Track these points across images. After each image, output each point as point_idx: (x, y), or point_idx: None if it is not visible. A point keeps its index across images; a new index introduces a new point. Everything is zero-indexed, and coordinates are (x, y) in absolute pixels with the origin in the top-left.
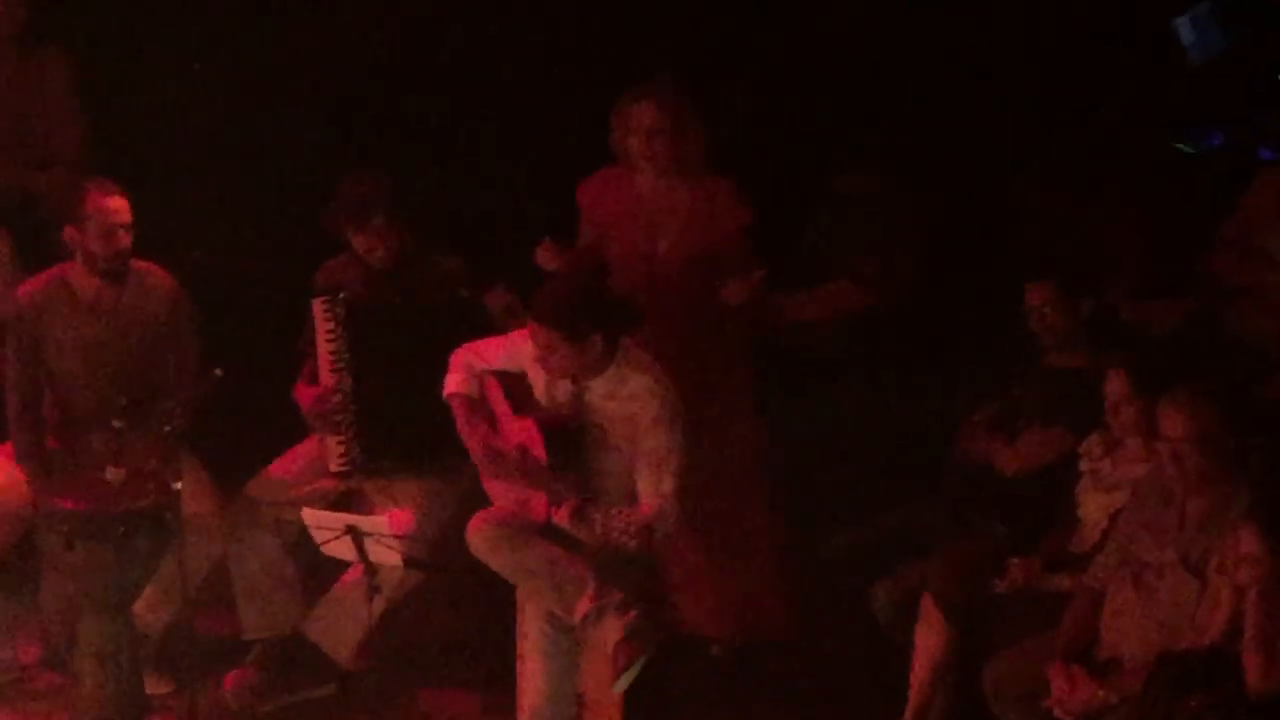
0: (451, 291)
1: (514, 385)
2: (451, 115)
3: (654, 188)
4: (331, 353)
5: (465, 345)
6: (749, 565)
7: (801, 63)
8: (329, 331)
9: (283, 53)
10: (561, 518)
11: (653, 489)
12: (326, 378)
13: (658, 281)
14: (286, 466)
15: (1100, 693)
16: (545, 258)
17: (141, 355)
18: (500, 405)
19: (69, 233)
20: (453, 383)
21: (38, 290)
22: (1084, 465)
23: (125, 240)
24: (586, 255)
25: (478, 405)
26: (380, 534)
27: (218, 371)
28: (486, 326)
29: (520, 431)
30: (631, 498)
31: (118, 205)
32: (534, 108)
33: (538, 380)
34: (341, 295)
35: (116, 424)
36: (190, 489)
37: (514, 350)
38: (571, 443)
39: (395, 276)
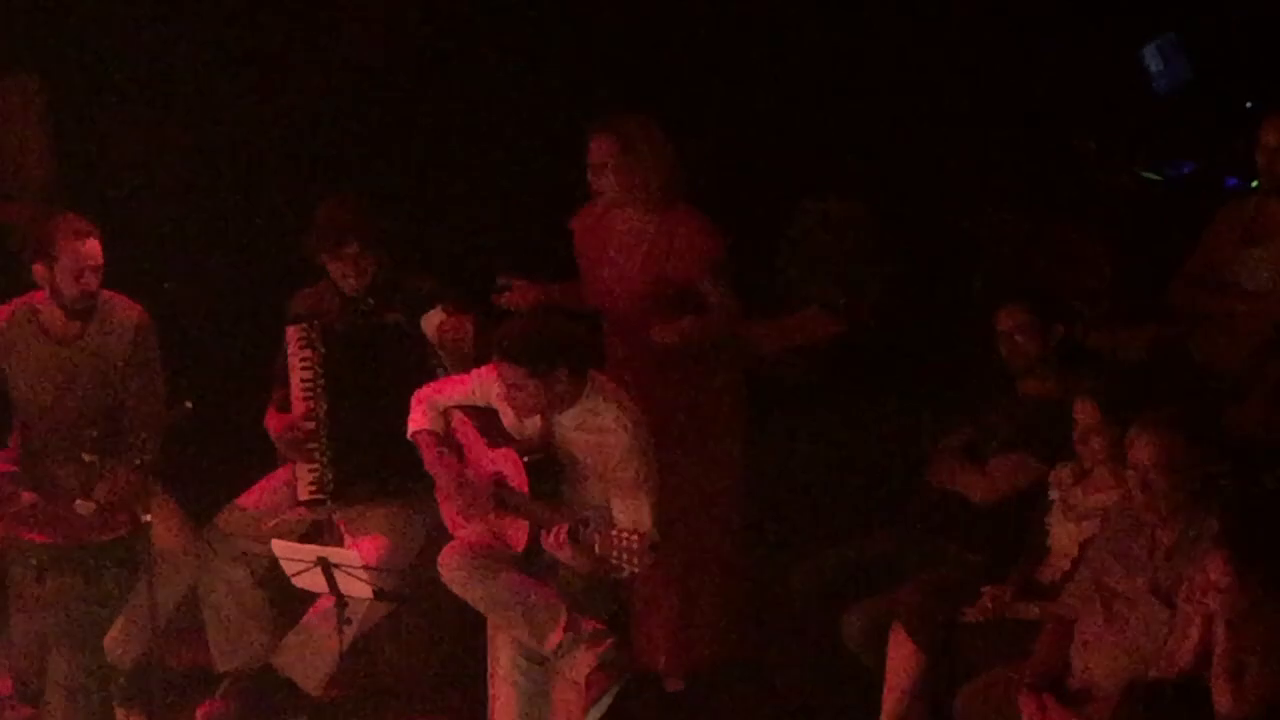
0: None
1: (483, 419)
2: (430, 140)
3: (621, 219)
4: (304, 380)
5: (427, 385)
6: (713, 592)
7: (773, 88)
8: (303, 359)
9: (255, 80)
10: (552, 543)
11: (630, 518)
12: (299, 405)
13: (629, 312)
14: (255, 498)
15: None
16: (517, 298)
17: (109, 387)
18: (470, 438)
19: (38, 270)
20: (416, 420)
21: (4, 320)
22: (1054, 494)
23: (94, 282)
24: (554, 291)
25: (445, 440)
26: (350, 565)
27: (188, 403)
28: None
29: (497, 462)
30: (609, 528)
31: (88, 248)
32: (511, 135)
33: (506, 413)
34: (315, 322)
35: (86, 457)
36: (160, 521)
37: (480, 385)
38: (554, 471)
39: (369, 301)
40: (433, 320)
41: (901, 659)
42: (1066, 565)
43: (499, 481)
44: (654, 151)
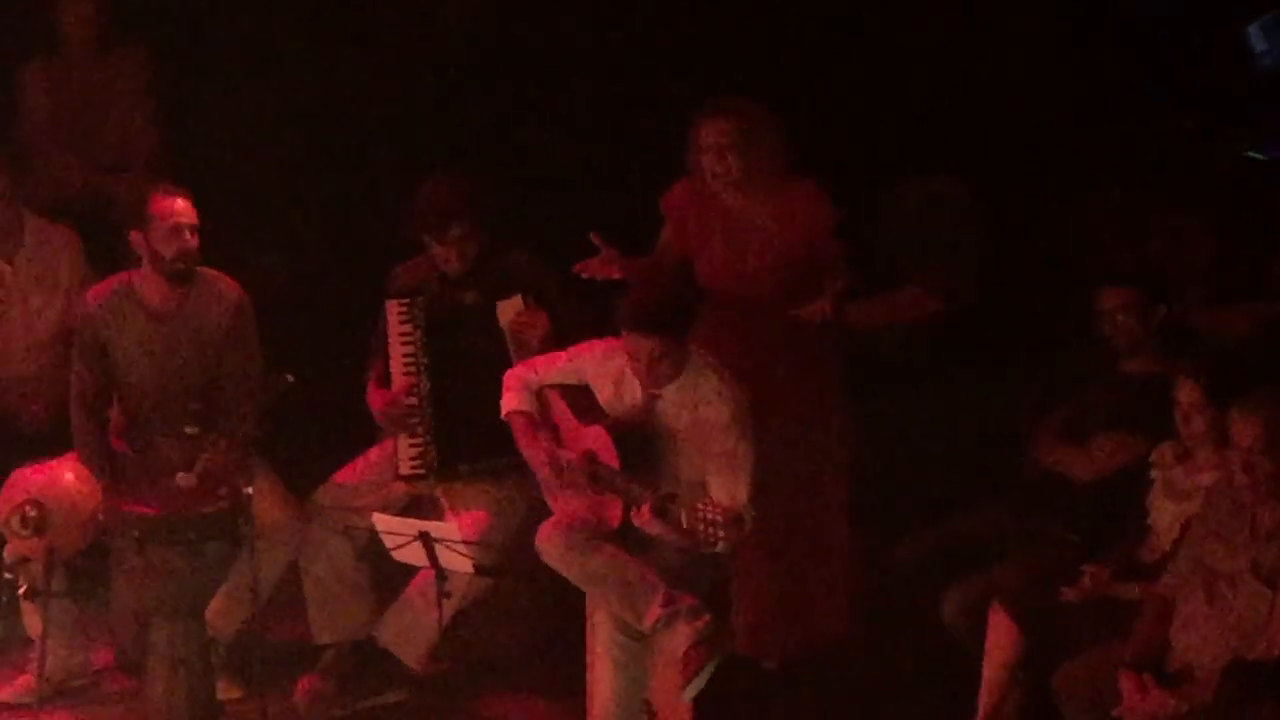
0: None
1: (575, 396)
2: (523, 119)
3: (734, 202)
4: (406, 355)
5: (519, 364)
6: (814, 571)
7: (873, 68)
8: (403, 334)
9: (357, 52)
10: (642, 517)
11: (727, 493)
12: (400, 380)
13: (748, 295)
14: (355, 473)
15: (1171, 701)
16: (607, 266)
17: (208, 362)
18: (564, 416)
19: (135, 237)
20: (510, 401)
21: (105, 294)
22: (1155, 473)
23: (191, 240)
24: (660, 260)
25: (538, 420)
26: (451, 540)
27: (289, 377)
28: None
29: (590, 439)
30: (698, 502)
31: (181, 206)
32: (605, 115)
33: (603, 389)
34: (416, 297)
35: (188, 430)
36: (261, 494)
37: (575, 362)
38: (644, 446)
39: (469, 277)
40: (508, 309)
41: (1000, 638)
42: (1167, 545)
43: (591, 459)
44: (769, 130)
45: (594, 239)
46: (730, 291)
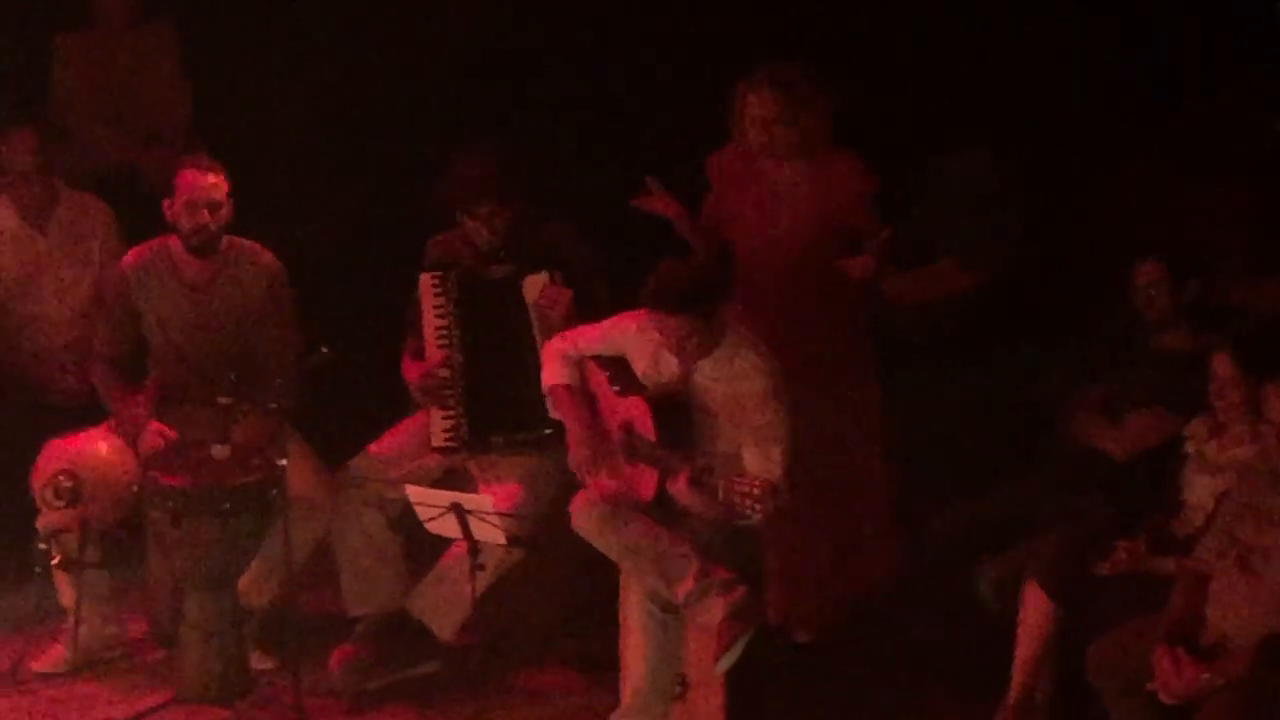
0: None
1: (613, 367)
2: (562, 88)
3: (779, 167)
4: (439, 327)
5: (559, 334)
6: (849, 544)
7: (911, 43)
8: (437, 306)
9: (388, 22)
10: (678, 488)
11: (762, 465)
12: (434, 352)
13: (781, 256)
14: (388, 444)
15: (1205, 676)
16: (657, 204)
17: (243, 333)
18: (603, 388)
19: (165, 205)
20: (550, 374)
21: (140, 259)
22: (1189, 447)
23: (207, 216)
24: (706, 231)
25: (579, 392)
26: (484, 511)
27: (324, 349)
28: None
29: (627, 410)
30: (734, 473)
31: (205, 182)
32: (646, 84)
33: (639, 362)
34: (449, 270)
35: (223, 401)
36: (295, 466)
37: (613, 335)
38: (680, 418)
39: (502, 251)
40: (535, 284)
41: (1035, 612)
42: (1201, 519)
43: (628, 430)
44: (815, 102)
45: (649, 182)
46: (765, 257)
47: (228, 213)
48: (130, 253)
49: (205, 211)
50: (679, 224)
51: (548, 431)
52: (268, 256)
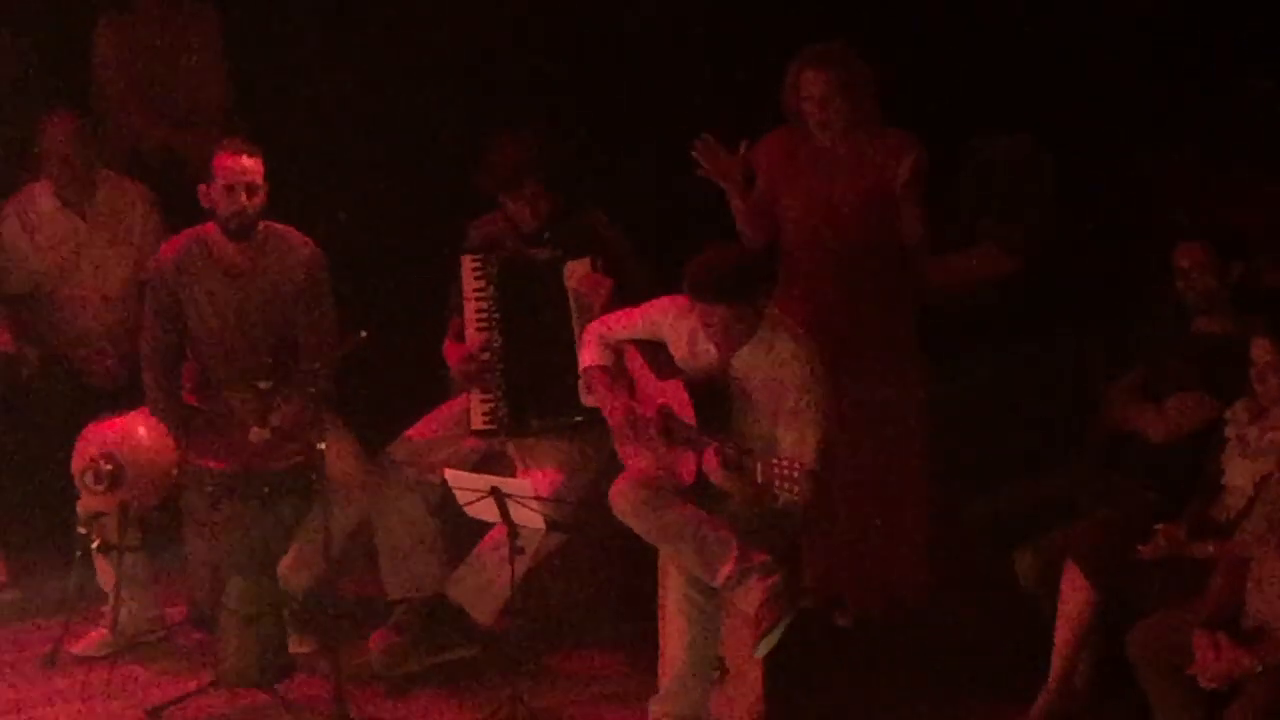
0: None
1: (652, 351)
2: (600, 75)
3: (830, 145)
4: (479, 310)
5: (597, 319)
6: (896, 531)
7: (950, 26)
8: (477, 289)
9: (430, 8)
10: (715, 470)
11: (797, 449)
12: (474, 336)
13: (832, 235)
14: (427, 429)
15: (1245, 660)
16: (710, 159)
17: (280, 317)
18: (641, 371)
19: (202, 190)
20: (588, 356)
21: (178, 249)
22: (1230, 431)
23: (246, 200)
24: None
25: (616, 375)
26: (523, 496)
27: (363, 333)
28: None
29: (665, 394)
30: (771, 456)
31: (243, 165)
32: (685, 68)
33: (678, 346)
34: (491, 252)
35: (262, 385)
36: (334, 450)
37: (650, 319)
38: (719, 402)
39: (544, 235)
40: (576, 270)
41: (1074, 597)
42: (1242, 503)
43: (667, 414)
44: (866, 76)
45: (704, 142)
46: (816, 236)
47: (265, 196)
48: (167, 244)
49: (244, 195)
50: (730, 190)
51: (578, 419)
52: (305, 242)
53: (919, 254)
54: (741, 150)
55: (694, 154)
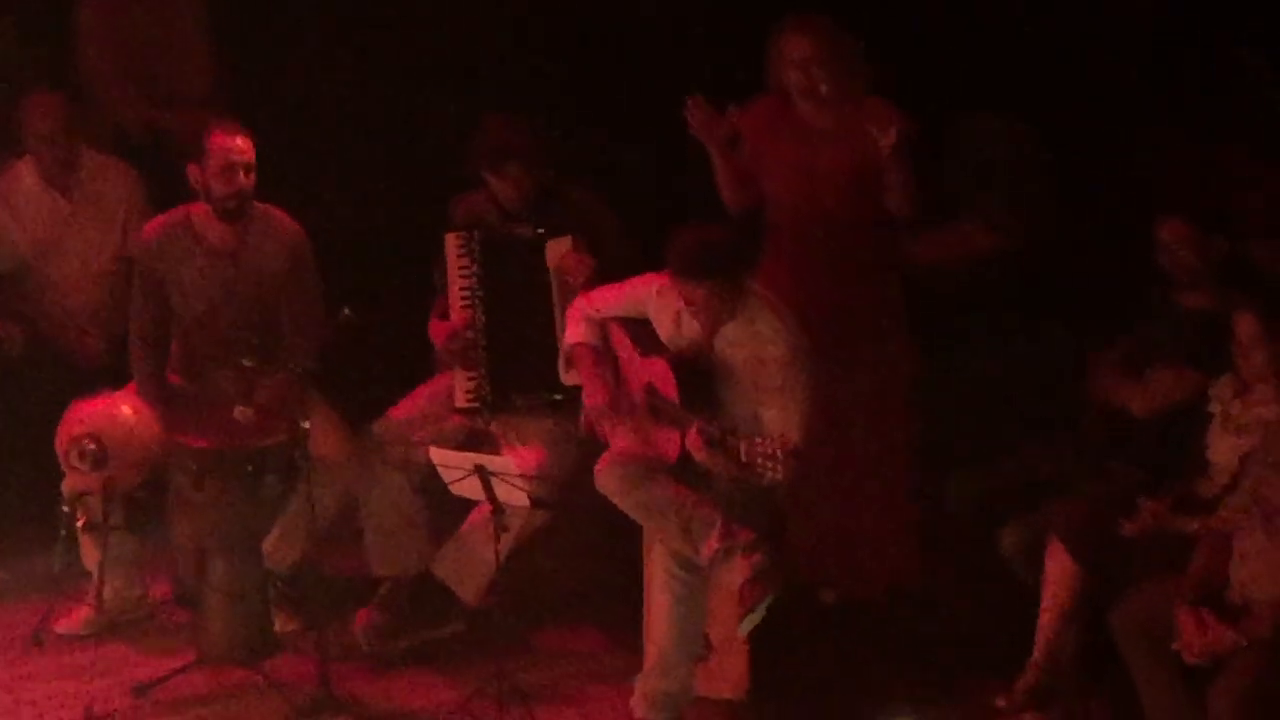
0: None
1: (636, 329)
2: (586, 55)
3: (813, 112)
4: (463, 287)
5: (582, 295)
6: (884, 509)
7: (936, 3)
8: (461, 266)
9: None
10: (699, 448)
11: (781, 427)
12: (458, 313)
13: (817, 203)
14: (411, 407)
15: (1229, 636)
16: (701, 121)
17: (265, 296)
18: (625, 349)
19: (192, 170)
20: (574, 334)
21: (162, 229)
22: (1214, 407)
23: (244, 179)
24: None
25: (601, 353)
26: (508, 473)
27: (346, 311)
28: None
29: (650, 371)
30: (754, 434)
31: (238, 144)
32: (673, 44)
33: (662, 324)
34: (475, 230)
35: (246, 363)
36: (319, 428)
37: (634, 297)
38: (702, 380)
39: (528, 213)
40: (557, 249)
41: (1059, 573)
42: (1226, 479)
43: (651, 391)
44: (852, 44)
45: (694, 102)
46: (801, 205)
47: (254, 176)
48: (151, 224)
49: (241, 174)
50: (713, 150)
51: (557, 397)
52: (290, 221)
53: (905, 227)
54: (730, 114)
55: (685, 112)
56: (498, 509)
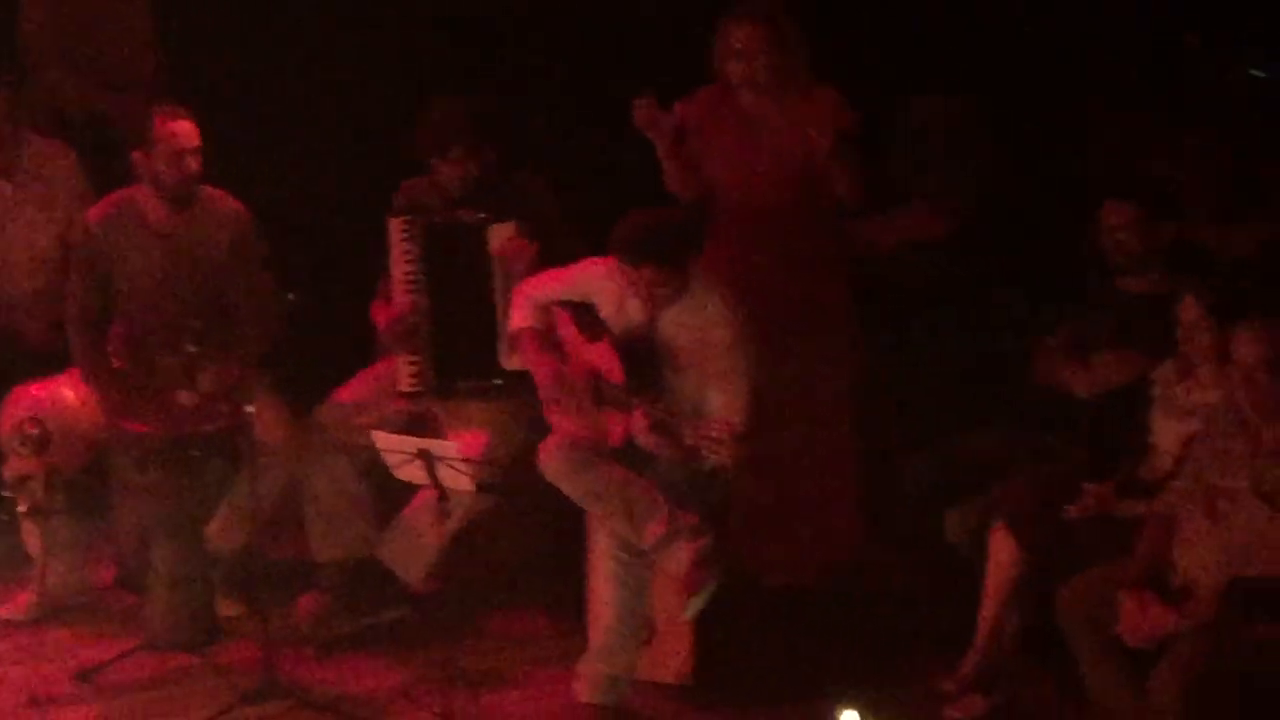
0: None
1: (580, 312)
2: (535, 36)
3: (755, 105)
4: (407, 273)
5: (525, 279)
6: (827, 496)
7: None
8: (404, 251)
9: None
10: (643, 431)
11: (725, 410)
12: (401, 298)
13: (761, 193)
14: (355, 390)
15: (1171, 619)
16: (648, 119)
17: (210, 280)
18: (570, 333)
19: (137, 157)
20: (519, 318)
21: (106, 213)
22: (1157, 391)
23: (193, 165)
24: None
25: (546, 337)
26: (451, 458)
27: (290, 296)
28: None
29: (595, 355)
30: (699, 418)
31: (186, 130)
32: (616, 28)
33: (605, 307)
34: (418, 215)
35: (190, 348)
36: (262, 413)
37: (578, 280)
38: (647, 363)
39: (472, 198)
40: (500, 233)
41: (1003, 556)
42: (1169, 463)
43: (596, 375)
44: (796, 36)
45: (641, 100)
46: (745, 194)
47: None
48: (95, 207)
49: (190, 160)
50: (659, 144)
51: (499, 382)
52: (236, 204)
53: (853, 214)
54: (674, 108)
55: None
56: (442, 493)
